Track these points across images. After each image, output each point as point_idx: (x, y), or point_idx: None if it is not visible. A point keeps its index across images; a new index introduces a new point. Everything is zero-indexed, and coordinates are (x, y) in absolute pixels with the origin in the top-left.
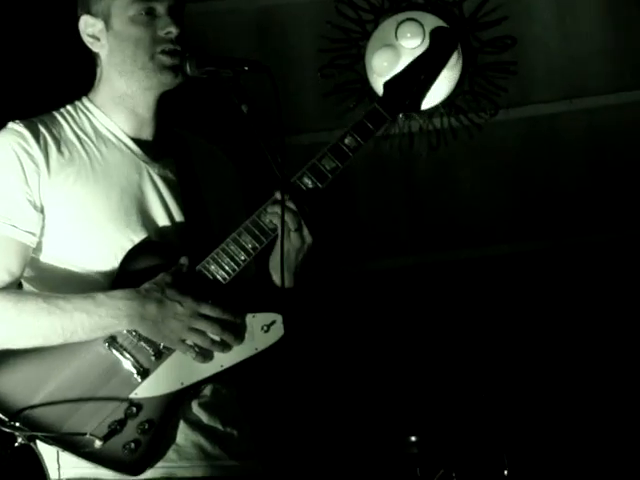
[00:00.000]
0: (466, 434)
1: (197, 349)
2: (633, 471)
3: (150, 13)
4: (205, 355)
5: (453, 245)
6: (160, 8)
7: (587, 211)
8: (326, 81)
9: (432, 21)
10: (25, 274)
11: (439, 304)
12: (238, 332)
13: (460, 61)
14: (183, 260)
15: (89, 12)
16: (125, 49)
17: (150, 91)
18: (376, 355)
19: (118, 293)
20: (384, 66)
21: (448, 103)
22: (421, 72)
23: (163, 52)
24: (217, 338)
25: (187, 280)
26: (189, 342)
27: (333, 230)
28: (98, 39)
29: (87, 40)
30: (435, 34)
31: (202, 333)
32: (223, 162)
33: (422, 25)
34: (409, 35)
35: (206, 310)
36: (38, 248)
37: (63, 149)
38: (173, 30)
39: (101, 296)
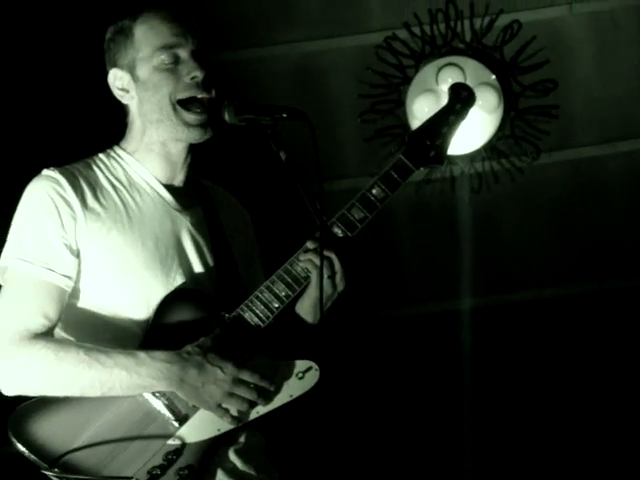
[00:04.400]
0: None
1: (233, 414)
2: None
3: (174, 61)
4: (240, 419)
5: (497, 289)
6: (183, 54)
7: (630, 254)
8: (367, 126)
9: (473, 66)
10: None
11: (483, 348)
12: (275, 388)
13: (501, 105)
14: (222, 321)
15: (116, 65)
16: (151, 98)
17: (180, 141)
18: (419, 399)
19: (160, 354)
20: (425, 111)
21: (490, 147)
22: (443, 125)
23: (188, 109)
24: (254, 402)
25: (226, 340)
26: (225, 406)
27: (363, 278)
28: (127, 91)
29: (117, 93)
30: (454, 89)
31: (240, 398)
32: (242, 212)
33: (463, 70)
34: (450, 80)
35: (246, 376)
36: (73, 294)
37: (98, 196)
38: (198, 74)
39: (142, 355)
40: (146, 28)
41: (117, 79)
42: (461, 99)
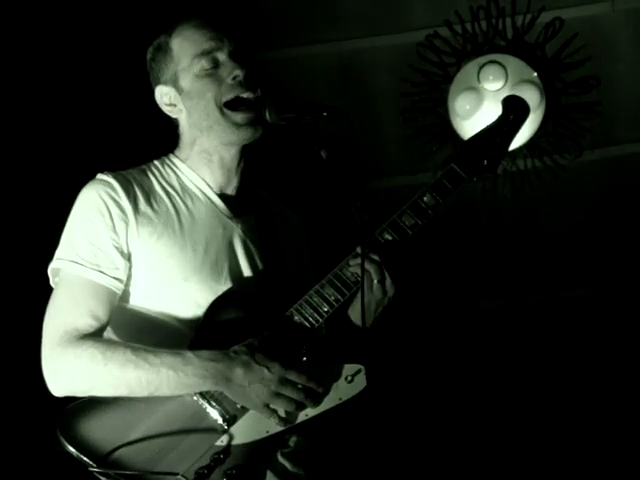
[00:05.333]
0: None
1: (281, 415)
2: None
3: (214, 65)
4: (288, 421)
5: (540, 287)
6: (222, 57)
7: None
8: (409, 124)
9: (514, 63)
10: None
11: (530, 345)
12: (322, 389)
13: (543, 103)
14: (270, 324)
15: (160, 82)
16: (197, 106)
17: (232, 145)
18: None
19: (206, 353)
20: (467, 109)
21: (532, 145)
22: (497, 136)
23: (235, 110)
24: (302, 403)
25: (274, 342)
26: (272, 406)
27: (416, 282)
28: (174, 105)
29: (165, 109)
30: (507, 101)
31: (287, 398)
32: (298, 229)
33: (504, 67)
34: (491, 78)
35: (293, 376)
36: (124, 297)
37: (151, 201)
38: (239, 73)
39: (189, 354)
40: (181, 39)
41: (163, 95)
42: (514, 110)
